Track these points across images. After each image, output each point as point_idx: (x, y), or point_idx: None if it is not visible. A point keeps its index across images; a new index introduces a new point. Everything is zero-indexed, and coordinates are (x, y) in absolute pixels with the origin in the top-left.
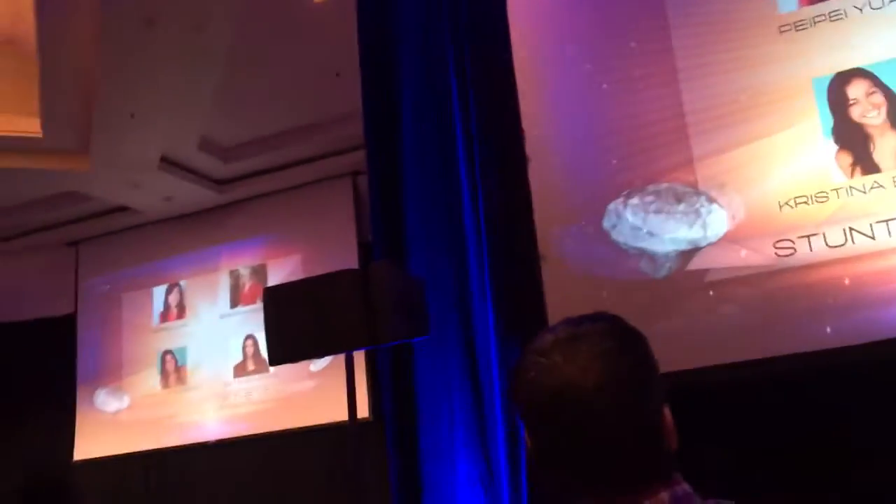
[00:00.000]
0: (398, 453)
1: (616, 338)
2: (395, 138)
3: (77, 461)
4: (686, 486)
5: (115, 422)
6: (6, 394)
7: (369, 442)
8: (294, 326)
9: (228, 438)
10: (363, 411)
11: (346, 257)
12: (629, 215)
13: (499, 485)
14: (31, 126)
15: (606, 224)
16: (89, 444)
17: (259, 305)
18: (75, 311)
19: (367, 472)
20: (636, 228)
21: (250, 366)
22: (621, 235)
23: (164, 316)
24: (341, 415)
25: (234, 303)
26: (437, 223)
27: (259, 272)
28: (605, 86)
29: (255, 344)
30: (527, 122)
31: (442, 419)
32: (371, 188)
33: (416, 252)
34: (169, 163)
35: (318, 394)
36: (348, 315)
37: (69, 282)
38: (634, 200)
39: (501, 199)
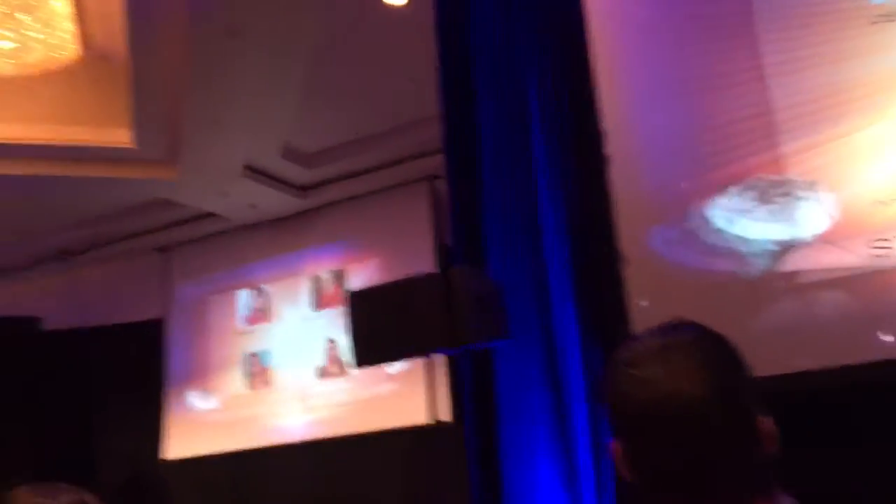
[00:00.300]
0: (478, 456)
1: (708, 346)
2: (472, 141)
3: (168, 460)
4: (790, 499)
5: (204, 422)
6: (101, 395)
7: (449, 444)
8: (377, 329)
9: (311, 440)
10: (443, 414)
11: (423, 261)
12: (716, 215)
13: (581, 488)
14: (123, 137)
15: (692, 224)
16: (180, 443)
17: (339, 310)
18: (166, 315)
19: (448, 474)
20: (723, 229)
21: (331, 369)
22: (708, 236)
23: (249, 319)
24: (420, 417)
25: (316, 306)
26: (515, 226)
27: (339, 277)
28: (688, 82)
29: (336, 347)
30: (606, 121)
31: (523, 422)
32: (450, 192)
33: (495, 255)
34: (253, 170)
35: (396, 397)
36: (430, 318)
37: (160, 287)
38: (721, 200)
39: (581, 200)
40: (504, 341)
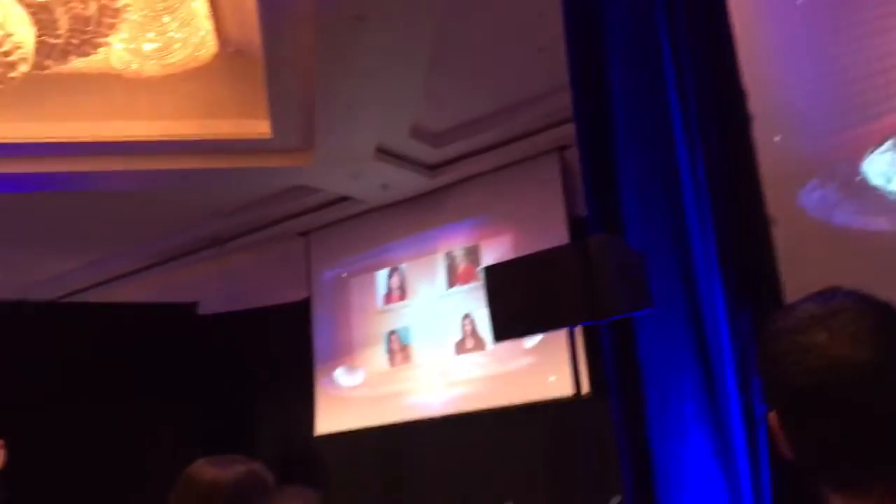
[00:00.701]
0: (626, 428)
1: (874, 312)
2: (604, 107)
3: (319, 435)
4: None
5: (350, 398)
6: (256, 374)
7: (589, 417)
8: (515, 303)
9: (452, 414)
10: (582, 387)
11: (556, 234)
12: (872, 171)
13: (736, 461)
14: (261, 128)
15: (846, 181)
16: (329, 419)
17: (474, 285)
18: (310, 297)
19: (588, 447)
20: (881, 186)
21: (469, 344)
22: (864, 194)
23: (388, 298)
24: (559, 391)
25: (451, 283)
26: (653, 192)
27: (472, 253)
28: (836, 30)
29: (472, 322)
30: (747, 76)
31: (670, 393)
32: (582, 161)
33: (633, 223)
34: (384, 152)
35: (534, 370)
36: (569, 290)
37: (303, 269)
38: (878, 154)
39: (723, 161)
40: (647, 311)
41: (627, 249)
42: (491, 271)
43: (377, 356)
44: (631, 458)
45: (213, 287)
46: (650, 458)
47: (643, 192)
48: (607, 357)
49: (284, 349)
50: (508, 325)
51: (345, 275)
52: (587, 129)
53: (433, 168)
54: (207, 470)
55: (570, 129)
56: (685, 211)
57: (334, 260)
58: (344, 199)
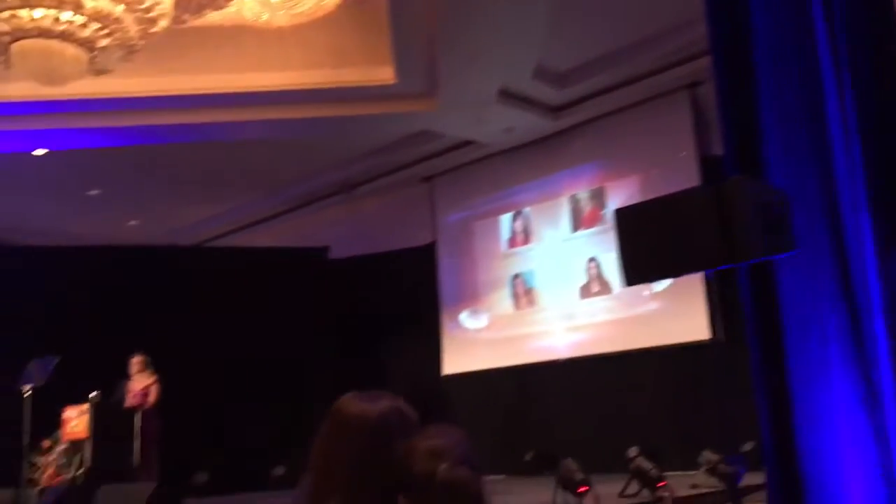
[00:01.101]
0: (764, 374)
1: None
2: (744, 38)
3: (446, 375)
4: None
5: (476, 340)
6: (383, 317)
7: (720, 361)
8: (646, 247)
9: (577, 357)
10: (711, 332)
11: (687, 174)
12: None
13: (883, 408)
14: (385, 74)
15: None
16: (455, 360)
17: (600, 228)
18: (435, 241)
19: (722, 392)
20: None
21: (594, 287)
22: None
23: (512, 242)
24: (686, 335)
25: (576, 227)
26: (797, 129)
27: (598, 195)
28: None
29: (598, 266)
30: None
31: (812, 337)
32: (719, 97)
33: (774, 162)
34: (507, 95)
35: (662, 314)
36: (704, 233)
37: (428, 214)
38: None
39: (876, 98)
40: (788, 254)
41: (769, 189)
42: (622, 214)
43: (502, 299)
44: (769, 404)
45: (342, 232)
46: (789, 404)
47: (785, 131)
48: (745, 300)
49: (411, 292)
50: (640, 269)
51: (469, 219)
52: (725, 62)
53: (557, 110)
54: (355, 404)
55: (701, 65)
56: (831, 150)
57: (458, 204)
58: (467, 143)
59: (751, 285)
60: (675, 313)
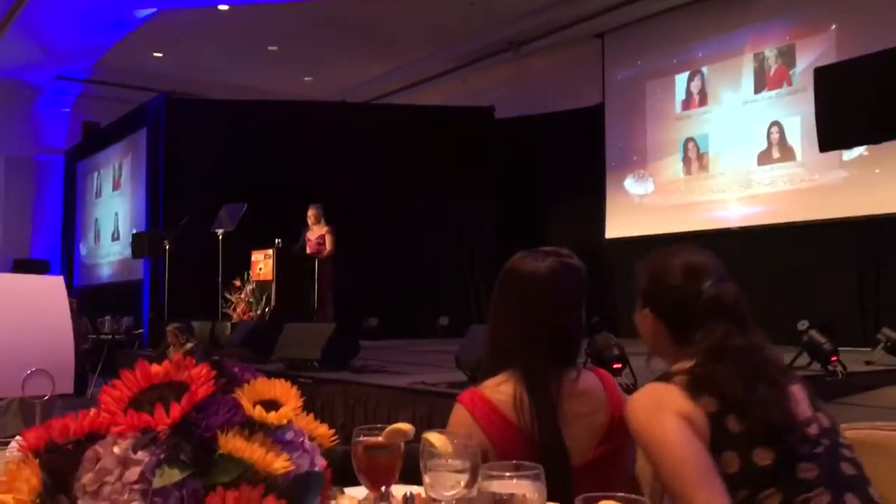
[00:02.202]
0: None
1: None
2: None
3: (609, 239)
4: None
5: (640, 205)
6: (547, 178)
7: None
8: (849, 111)
9: (752, 227)
10: None
11: (891, 32)
12: None
13: None
14: None
15: None
16: (618, 224)
17: (786, 90)
18: (603, 101)
19: None
20: None
21: (775, 153)
22: None
23: (687, 103)
24: (871, 207)
25: (759, 88)
26: None
27: (786, 54)
28: None
29: (781, 131)
30: None
31: None
32: None
33: None
34: None
35: (850, 184)
36: None
37: (597, 73)
38: None
39: None
40: None
41: None
42: (822, 73)
43: (672, 164)
44: None
45: (508, 91)
46: None
47: None
48: None
49: (576, 154)
50: (837, 134)
51: (641, 78)
52: None
53: None
54: (520, 260)
55: None
56: None
57: (630, 63)
58: None
59: None
60: (864, 184)
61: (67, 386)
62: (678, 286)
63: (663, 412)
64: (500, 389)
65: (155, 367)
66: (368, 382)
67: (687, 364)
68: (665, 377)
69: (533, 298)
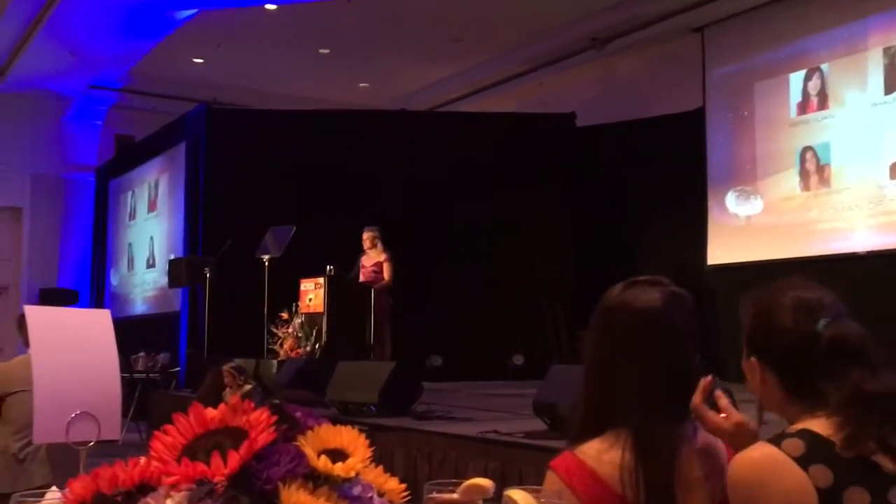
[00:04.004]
0: None
1: None
2: None
3: (711, 265)
4: None
5: (747, 227)
6: (638, 194)
7: None
8: None
9: (881, 250)
10: None
11: None
12: None
13: None
14: None
15: None
16: (721, 249)
17: None
18: (703, 105)
19: None
20: None
21: None
22: None
23: (803, 107)
24: None
25: (890, 88)
26: None
27: None
28: None
29: None
30: None
31: None
32: None
33: None
34: None
35: None
36: None
37: (696, 73)
38: None
39: None
40: None
41: None
42: None
43: (786, 178)
44: None
45: (591, 95)
46: None
47: None
48: None
49: (672, 166)
50: None
51: (747, 78)
52: None
53: None
54: (634, 294)
55: None
56: None
57: (735, 60)
58: None
59: None
60: None
61: (114, 431)
62: (788, 329)
63: (765, 490)
64: (605, 459)
65: (210, 412)
66: (432, 430)
67: (810, 423)
68: (777, 440)
69: (654, 339)
